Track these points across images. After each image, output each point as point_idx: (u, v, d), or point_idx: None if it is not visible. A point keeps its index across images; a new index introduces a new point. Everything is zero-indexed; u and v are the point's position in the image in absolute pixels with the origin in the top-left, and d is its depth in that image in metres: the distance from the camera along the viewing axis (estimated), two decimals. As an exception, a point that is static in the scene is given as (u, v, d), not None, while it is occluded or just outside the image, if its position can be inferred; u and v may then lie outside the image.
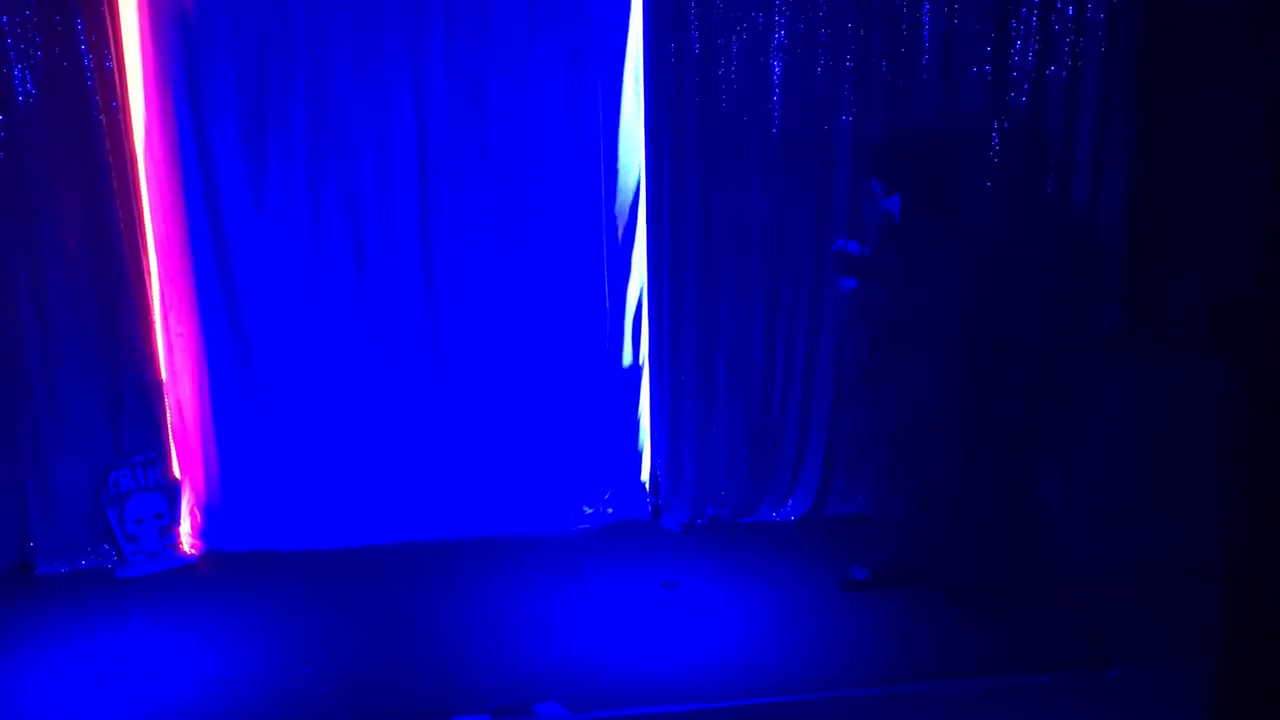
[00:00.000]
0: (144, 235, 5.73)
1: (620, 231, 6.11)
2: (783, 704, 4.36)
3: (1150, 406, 4.81)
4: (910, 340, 5.05)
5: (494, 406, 6.13)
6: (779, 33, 5.79)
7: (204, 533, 6.06)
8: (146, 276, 5.76)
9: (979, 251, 5.07)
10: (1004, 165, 5.94)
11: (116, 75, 5.50)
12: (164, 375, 5.88)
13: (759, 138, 5.88)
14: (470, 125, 5.83)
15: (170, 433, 5.96)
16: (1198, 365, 4.93)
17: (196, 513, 6.07)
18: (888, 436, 5.24)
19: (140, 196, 5.70)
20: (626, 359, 6.26)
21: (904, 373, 5.11)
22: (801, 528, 6.20)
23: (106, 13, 5.44)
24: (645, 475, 6.40)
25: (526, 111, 5.85)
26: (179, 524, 5.99)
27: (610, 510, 6.32)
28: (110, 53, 5.47)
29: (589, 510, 6.31)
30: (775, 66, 5.82)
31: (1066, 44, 5.86)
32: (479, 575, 5.69)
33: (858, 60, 5.82)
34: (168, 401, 5.91)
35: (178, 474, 6.01)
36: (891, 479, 5.33)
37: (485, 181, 5.91)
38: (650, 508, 6.38)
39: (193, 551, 6.00)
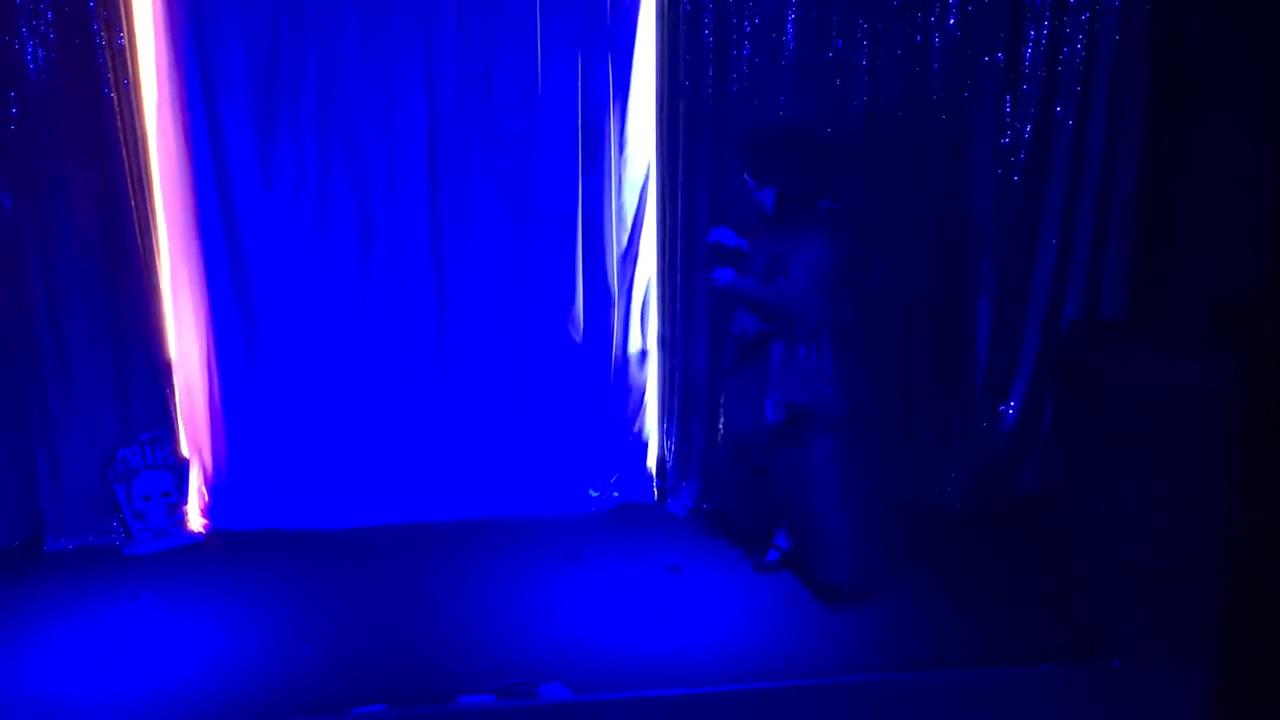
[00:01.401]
0: (154, 213, 5.74)
1: (630, 217, 6.11)
2: (785, 689, 4.38)
3: (1152, 403, 4.81)
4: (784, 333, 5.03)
5: (501, 389, 6.14)
6: (791, 16, 5.77)
7: (211, 511, 6.09)
8: (156, 255, 5.77)
9: (852, 244, 5.01)
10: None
11: (128, 53, 5.51)
12: (172, 354, 5.90)
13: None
14: (480, 109, 5.83)
15: (178, 411, 5.98)
16: (1202, 362, 4.92)
17: (204, 491, 6.10)
18: (756, 434, 5.21)
19: (151, 175, 5.71)
20: (634, 344, 6.27)
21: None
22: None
23: (119, -10, 5.45)
24: (652, 460, 6.41)
25: (537, 96, 5.85)
26: (186, 502, 6.02)
27: (616, 494, 6.33)
28: (122, 30, 5.47)
29: (595, 494, 6.32)
30: (787, 51, 5.80)
31: (1081, 33, 5.85)
32: (485, 556, 5.71)
33: (870, 47, 5.81)
34: (176, 380, 5.93)
35: (185, 452, 6.03)
36: (762, 476, 5.29)
37: (494, 165, 5.91)
38: (656, 492, 6.39)
39: (200, 530, 6.03)
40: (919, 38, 5.82)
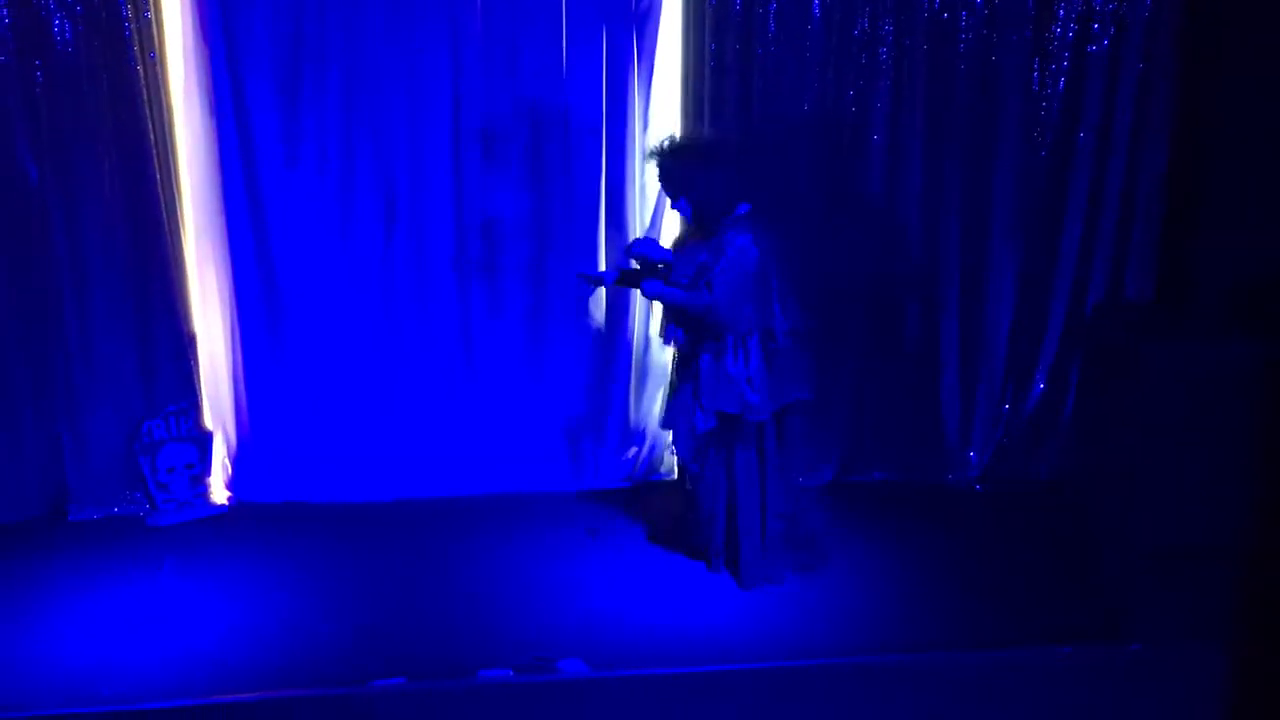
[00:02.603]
0: (178, 188, 5.77)
1: (654, 195, 6.08)
2: (805, 668, 4.38)
3: (1178, 385, 4.77)
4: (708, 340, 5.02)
5: (522, 365, 6.15)
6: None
7: (234, 483, 6.13)
8: (180, 229, 5.80)
9: (763, 252, 4.91)
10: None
11: (154, 27, 5.53)
12: (196, 327, 5.93)
13: (795, 103, 5.84)
14: (505, 84, 5.81)
15: (202, 384, 6.01)
16: (1229, 345, 4.88)
17: (227, 464, 6.14)
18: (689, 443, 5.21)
19: (175, 150, 5.73)
20: (657, 323, 6.26)
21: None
22: (827, 492, 6.20)
23: (145, -37, 5.46)
24: (672, 439, 6.39)
25: (562, 72, 5.83)
26: (210, 474, 6.06)
27: (638, 472, 6.34)
28: (148, 3, 5.49)
29: (616, 471, 6.32)
30: (813, 27, 5.76)
31: (1110, 11, 5.80)
32: (506, 531, 5.73)
33: (896, 23, 5.78)
34: (200, 353, 5.96)
35: (209, 425, 6.06)
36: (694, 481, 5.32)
37: (519, 140, 5.89)
38: (677, 471, 6.38)
39: (223, 502, 6.07)
40: (946, 15, 5.78)
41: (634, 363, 6.23)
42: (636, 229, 6.05)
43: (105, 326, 5.76)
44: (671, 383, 5.37)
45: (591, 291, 5.60)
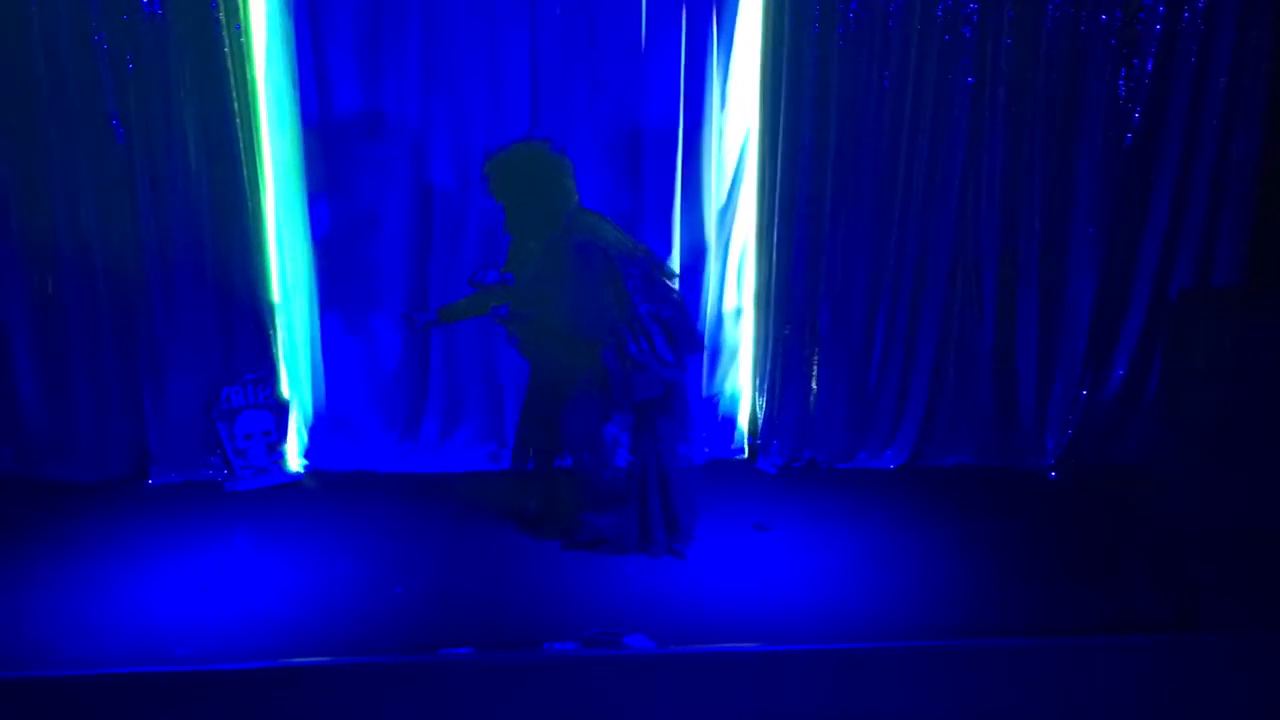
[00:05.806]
0: (261, 156, 5.84)
1: (729, 173, 6.06)
2: (870, 650, 4.35)
3: (1264, 371, 4.66)
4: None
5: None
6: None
7: (309, 452, 6.21)
8: (262, 197, 5.87)
9: (606, 244, 4.87)
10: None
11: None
12: (276, 296, 6.00)
13: (875, 81, 5.77)
14: (584, 59, 5.81)
15: (280, 352, 6.09)
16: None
17: (303, 432, 6.22)
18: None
19: (260, 118, 5.80)
20: (730, 301, 6.23)
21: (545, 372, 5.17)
22: (899, 477, 6.15)
23: (231, -67, 5.53)
24: (744, 417, 6.38)
25: (640, 48, 5.81)
26: (286, 441, 6.14)
27: (706, 449, 6.31)
28: (234, -24, 5.56)
29: (685, 449, 6.30)
30: (894, 8, 5.68)
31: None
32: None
33: (980, 2, 5.68)
34: (279, 321, 6.04)
35: (286, 393, 6.15)
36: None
37: (596, 117, 5.89)
38: (747, 449, 6.37)
39: (298, 469, 6.16)
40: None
41: (707, 339, 6.19)
42: (712, 206, 6.03)
43: (188, 293, 5.86)
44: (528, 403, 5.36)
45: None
